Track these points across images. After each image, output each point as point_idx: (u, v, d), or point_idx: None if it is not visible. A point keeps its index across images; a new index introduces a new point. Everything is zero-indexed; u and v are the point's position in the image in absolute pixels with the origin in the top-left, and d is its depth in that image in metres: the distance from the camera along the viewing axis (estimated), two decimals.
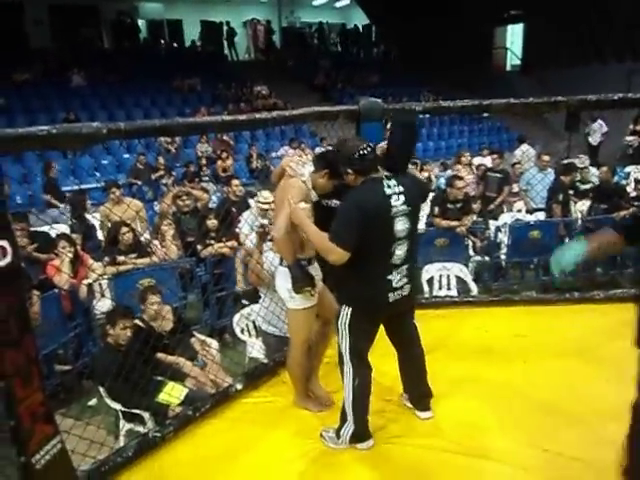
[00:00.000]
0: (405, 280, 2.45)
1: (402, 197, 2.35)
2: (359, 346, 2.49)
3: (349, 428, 2.51)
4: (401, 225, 2.35)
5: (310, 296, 2.63)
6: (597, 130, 8.75)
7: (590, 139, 9.00)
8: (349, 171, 2.37)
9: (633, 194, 6.01)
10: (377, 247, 2.36)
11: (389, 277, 2.39)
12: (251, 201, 5.57)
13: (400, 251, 2.39)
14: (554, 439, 2.57)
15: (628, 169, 8.29)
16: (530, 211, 6.37)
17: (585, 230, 5.66)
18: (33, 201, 7.96)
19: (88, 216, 5.90)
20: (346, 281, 2.46)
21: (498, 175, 6.53)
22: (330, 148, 2.88)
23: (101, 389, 3.24)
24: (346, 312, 2.45)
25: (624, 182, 7.13)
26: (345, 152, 2.41)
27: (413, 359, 2.71)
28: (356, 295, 2.45)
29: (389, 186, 2.35)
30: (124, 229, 4.64)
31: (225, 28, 17.01)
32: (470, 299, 4.27)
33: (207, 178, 8.21)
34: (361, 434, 2.54)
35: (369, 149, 2.37)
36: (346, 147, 2.45)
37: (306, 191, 2.61)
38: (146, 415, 3.10)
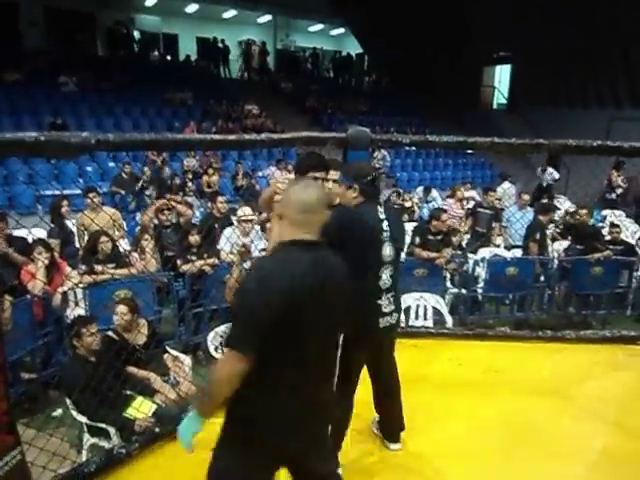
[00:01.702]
0: (392, 307, 2.49)
1: (386, 223, 2.42)
2: (348, 379, 2.45)
3: None
4: (388, 250, 2.42)
5: None
6: (547, 179, 9.22)
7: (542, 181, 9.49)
8: (355, 187, 2.40)
9: (608, 237, 6.16)
10: (368, 269, 2.39)
11: (379, 302, 2.43)
12: (234, 218, 5.57)
13: (385, 275, 2.44)
14: (521, 474, 2.59)
15: (604, 212, 8.51)
16: (508, 247, 6.48)
17: (561, 269, 5.79)
18: (13, 204, 7.84)
19: (68, 222, 5.82)
20: None
21: (488, 212, 6.65)
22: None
23: (67, 400, 3.16)
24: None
25: (600, 225, 7.31)
26: (357, 170, 2.48)
27: (390, 394, 2.70)
28: None
29: (381, 212, 2.44)
30: (103, 238, 4.60)
31: (220, 46, 17.17)
32: (445, 331, 4.31)
33: (192, 193, 8.21)
34: None
35: (378, 176, 2.45)
36: (355, 166, 2.56)
37: None
38: (112, 430, 3.03)
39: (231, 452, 1.72)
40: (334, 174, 2.84)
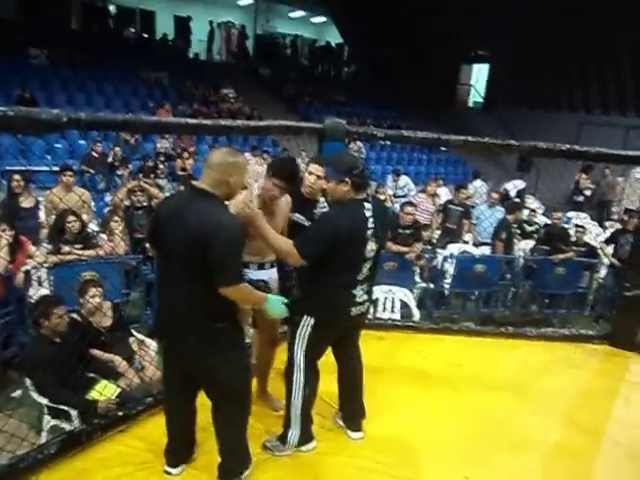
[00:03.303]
0: (365, 297, 2.55)
1: (372, 220, 2.44)
2: (314, 355, 2.58)
3: (296, 432, 2.61)
4: (370, 246, 2.44)
5: None
6: (511, 190, 9.39)
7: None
8: (347, 181, 2.39)
9: (573, 238, 6.34)
10: (348, 264, 2.43)
11: (354, 291, 2.48)
12: None
13: (365, 269, 2.48)
14: (476, 466, 2.67)
15: (570, 214, 8.74)
16: (477, 244, 6.61)
17: (526, 268, 5.94)
18: None
19: (36, 199, 5.64)
20: (313, 292, 2.50)
21: (459, 208, 6.75)
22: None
23: (28, 381, 3.11)
24: (307, 322, 2.50)
25: (566, 226, 7.51)
26: (345, 163, 2.45)
27: (352, 376, 2.78)
28: (321, 306, 2.49)
29: (368, 209, 2.44)
30: (71, 217, 4.51)
31: (208, 28, 16.89)
32: (411, 324, 4.38)
33: (163, 175, 8.07)
34: (306, 437, 2.65)
35: (364, 167, 2.45)
36: (345, 159, 2.52)
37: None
38: (74, 412, 3.00)
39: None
40: (318, 169, 2.83)
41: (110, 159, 8.26)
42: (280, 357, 3.20)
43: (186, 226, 2.03)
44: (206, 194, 2.09)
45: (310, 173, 2.94)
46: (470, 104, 18.54)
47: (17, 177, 5.36)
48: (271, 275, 2.76)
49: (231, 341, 2.23)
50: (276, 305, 2.29)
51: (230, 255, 2.06)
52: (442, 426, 2.97)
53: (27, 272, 4.24)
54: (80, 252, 4.42)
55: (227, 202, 2.22)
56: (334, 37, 20.68)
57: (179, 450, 2.48)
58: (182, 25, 16.94)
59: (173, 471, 2.46)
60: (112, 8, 16.85)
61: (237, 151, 2.25)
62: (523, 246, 6.50)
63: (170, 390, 2.42)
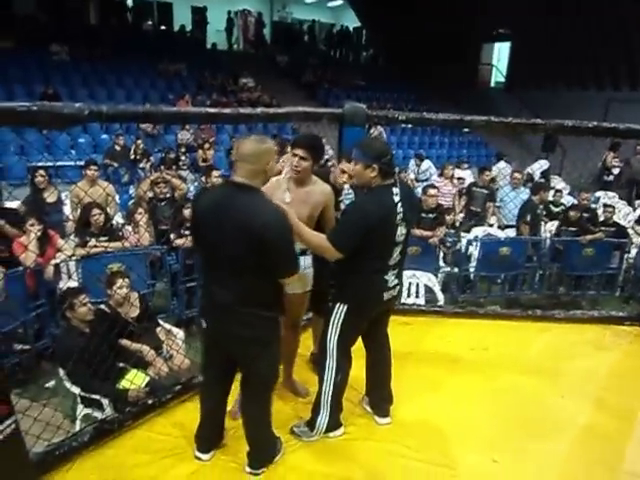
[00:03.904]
0: (396, 281, 2.55)
1: (401, 204, 2.41)
2: (347, 342, 2.59)
3: (324, 419, 2.62)
4: (400, 231, 2.43)
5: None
6: (536, 170, 9.18)
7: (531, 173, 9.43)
8: (374, 167, 2.36)
9: (601, 218, 6.20)
10: (380, 250, 2.43)
11: (386, 277, 2.48)
12: None
13: (396, 253, 2.47)
14: (505, 450, 2.65)
15: (598, 194, 8.53)
16: (502, 227, 6.51)
17: (554, 250, 5.83)
18: (5, 175, 7.75)
19: (62, 194, 5.75)
20: (345, 279, 2.49)
21: (484, 191, 6.65)
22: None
23: (61, 371, 3.19)
24: (341, 309, 2.51)
25: (594, 206, 7.34)
26: (376, 149, 2.41)
27: (381, 362, 2.79)
28: (354, 293, 2.49)
29: (396, 194, 2.41)
30: (96, 211, 4.57)
31: (226, 17, 16.87)
32: (437, 309, 4.35)
33: (185, 166, 8.13)
34: (335, 424, 2.67)
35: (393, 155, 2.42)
36: (376, 145, 2.50)
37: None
38: (105, 401, 3.07)
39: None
40: (349, 167, 2.76)
41: (132, 152, 8.34)
42: (305, 344, 3.23)
43: (232, 222, 2.04)
44: (246, 188, 2.09)
45: (343, 172, 2.96)
46: (492, 84, 18.16)
47: (41, 172, 5.46)
48: (305, 264, 2.72)
49: (274, 331, 2.27)
50: None
51: (288, 247, 2.14)
52: (469, 410, 2.95)
53: (57, 265, 4.33)
54: (106, 244, 4.49)
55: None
56: (351, 21, 20.43)
57: (210, 435, 2.53)
58: (199, 15, 16.92)
59: (203, 457, 2.51)
60: (130, 1, 16.92)
61: (264, 136, 2.24)
62: (550, 227, 6.38)
63: (208, 377, 2.47)
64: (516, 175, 6.85)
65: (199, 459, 2.50)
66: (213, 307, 2.25)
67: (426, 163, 9.42)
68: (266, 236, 2.00)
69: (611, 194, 8.67)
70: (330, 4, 21.31)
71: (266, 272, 2.11)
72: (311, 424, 2.65)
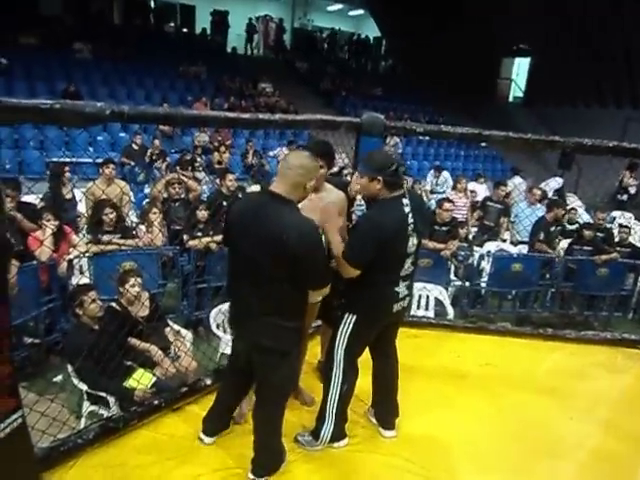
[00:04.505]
0: (407, 292, 2.53)
1: (412, 215, 2.40)
2: (354, 353, 2.58)
3: (329, 428, 2.61)
4: (412, 241, 2.42)
5: None
6: (550, 190, 9.08)
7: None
8: (379, 179, 2.35)
9: (617, 239, 6.13)
10: (392, 261, 2.42)
11: (397, 289, 2.46)
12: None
13: (407, 264, 2.46)
14: (511, 471, 2.61)
15: (614, 214, 8.44)
16: (515, 243, 6.46)
17: (567, 269, 5.76)
18: (23, 169, 7.85)
19: (76, 191, 5.81)
20: (356, 290, 2.47)
21: (498, 206, 6.62)
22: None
23: (69, 367, 3.20)
24: (350, 319, 2.50)
25: (609, 226, 7.26)
26: (379, 161, 2.40)
27: (388, 374, 2.76)
28: (365, 304, 2.48)
29: (406, 205, 2.40)
30: (108, 209, 4.60)
31: (246, 22, 17.02)
32: (446, 322, 4.32)
33: (201, 168, 8.17)
34: (339, 434, 2.66)
35: (398, 166, 2.40)
36: (378, 157, 2.48)
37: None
38: (112, 399, 3.08)
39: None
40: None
41: (150, 152, 8.40)
42: (313, 351, 3.22)
43: (264, 231, 2.06)
44: (282, 200, 2.11)
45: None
46: (510, 99, 18.10)
47: (67, 168, 5.55)
48: None
49: (295, 343, 2.27)
50: None
51: (321, 261, 2.16)
52: (476, 428, 2.92)
53: (70, 261, 4.36)
54: (121, 242, 4.52)
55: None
56: (372, 30, 20.50)
57: (216, 421, 2.60)
58: (220, 19, 17.07)
59: (206, 439, 2.59)
60: (153, 3, 17.11)
61: (313, 156, 2.26)
62: (564, 245, 6.32)
63: (230, 374, 2.58)
64: (535, 191, 6.79)
65: (201, 440, 2.60)
66: (241, 312, 2.28)
67: (445, 174, 9.41)
68: (299, 250, 2.01)
69: (628, 215, 8.56)
70: (351, 13, 21.41)
71: (293, 283, 2.11)
72: (316, 434, 2.64)
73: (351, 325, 2.50)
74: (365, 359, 2.71)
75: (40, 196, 5.27)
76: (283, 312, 2.15)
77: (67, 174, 5.53)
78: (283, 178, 2.13)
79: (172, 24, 17.08)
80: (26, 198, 4.83)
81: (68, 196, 5.52)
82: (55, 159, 7.72)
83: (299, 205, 2.50)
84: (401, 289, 2.48)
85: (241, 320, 2.29)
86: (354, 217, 2.89)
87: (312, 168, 2.17)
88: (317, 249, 2.12)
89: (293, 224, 2.06)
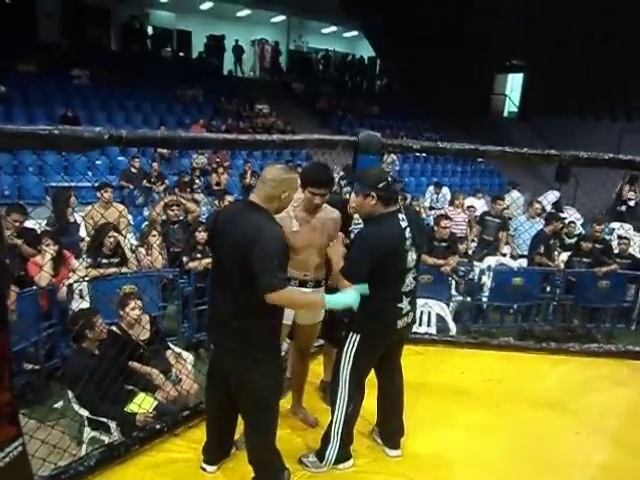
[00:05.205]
0: (409, 307, 2.52)
1: (409, 230, 2.41)
2: (361, 373, 2.56)
3: (334, 449, 2.57)
4: (411, 256, 2.42)
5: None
6: (547, 204, 9.12)
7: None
8: (372, 195, 2.36)
9: (616, 251, 6.13)
10: (392, 277, 2.42)
11: (400, 305, 2.46)
12: None
13: (408, 280, 2.46)
14: None
15: (613, 225, 8.46)
16: (515, 257, 6.46)
17: (566, 282, 5.76)
18: (22, 194, 7.87)
19: (77, 215, 5.82)
20: (359, 308, 2.40)
21: (496, 220, 6.63)
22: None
23: (70, 393, 3.17)
24: (354, 339, 2.48)
25: (608, 237, 7.27)
26: (371, 177, 2.42)
27: (393, 392, 2.74)
28: (368, 322, 2.45)
29: (402, 219, 2.41)
30: (111, 233, 4.61)
31: (233, 45, 17.21)
32: (448, 338, 4.30)
33: (199, 189, 8.20)
34: (344, 455, 2.62)
35: (392, 180, 2.43)
36: (371, 172, 2.50)
37: None
38: (113, 425, 3.04)
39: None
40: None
41: (150, 176, 8.42)
42: (315, 371, 3.19)
43: (234, 236, 2.14)
44: (256, 207, 2.19)
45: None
46: (505, 114, 18.27)
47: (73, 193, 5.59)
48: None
49: (268, 350, 2.25)
50: (341, 299, 2.27)
51: (267, 260, 2.03)
52: (482, 445, 2.88)
53: (70, 285, 4.35)
54: (117, 268, 4.52)
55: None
56: (366, 51, 20.75)
57: (215, 450, 2.56)
58: (216, 43, 17.29)
59: (209, 468, 2.54)
60: (149, 29, 17.35)
61: (290, 168, 2.34)
62: (564, 258, 6.32)
63: (209, 393, 2.52)
64: (536, 205, 6.80)
65: (204, 470, 2.54)
66: (213, 319, 2.34)
67: (445, 190, 9.48)
68: (253, 248, 2.04)
69: (627, 226, 8.59)
70: (345, 34, 21.71)
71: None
72: (320, 455, 2.60)
73: (356, 344, 2.48)
74: (369, 378, 2.68)
75: (39, 221, 5.27)
76: (250, 317, 2.16)
77: (72, 199, 5.56)
78: (259, 190, 2.23)
79: (169, 49, 17.29)
80: (26, 223, 4.83)
81: (72, 219, 5.54)
82: (54, 184, 7.76)
83: (295, 227, 2.52)
84: (404, 305, 2.47)
85: (213, 326, 2.34)
86: (352, 235, 2.89)
87: (283, 180, 2.20)
88: (269, 247, 2.05)
89: (255, 226, 2.11)
